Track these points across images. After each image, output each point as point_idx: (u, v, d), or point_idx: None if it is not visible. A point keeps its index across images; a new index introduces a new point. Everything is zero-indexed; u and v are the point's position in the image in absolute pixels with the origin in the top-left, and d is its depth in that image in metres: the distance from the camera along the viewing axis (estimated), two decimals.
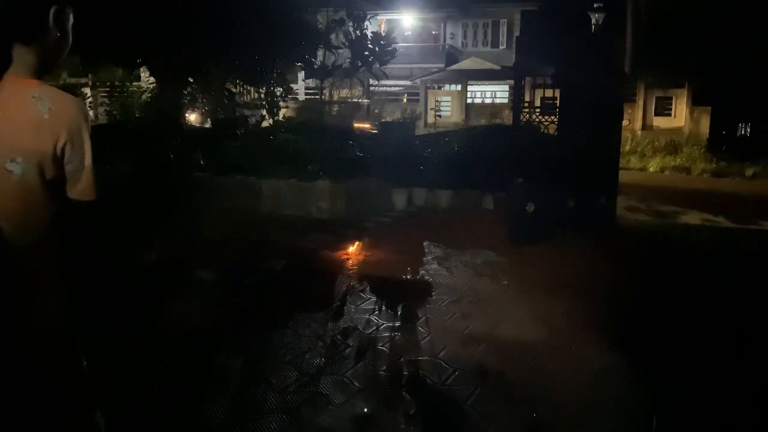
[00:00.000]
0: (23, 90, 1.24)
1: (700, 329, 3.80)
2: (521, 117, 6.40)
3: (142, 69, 10.73)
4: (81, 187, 1.32)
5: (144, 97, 11.00)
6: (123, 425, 1.48)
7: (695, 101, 19.74)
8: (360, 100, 16.35)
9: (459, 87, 27.26)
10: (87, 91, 13.66)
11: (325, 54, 11.85)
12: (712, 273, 5.14)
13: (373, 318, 3.92)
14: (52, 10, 1.28)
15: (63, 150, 1.27)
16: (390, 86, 22.26)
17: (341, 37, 11.92)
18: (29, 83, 1.26)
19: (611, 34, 6.48)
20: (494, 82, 26.81)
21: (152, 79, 10.72)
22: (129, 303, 3.86)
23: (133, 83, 11.32)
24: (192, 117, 11.22)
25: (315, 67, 11.67)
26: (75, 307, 1.37)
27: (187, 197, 6.66)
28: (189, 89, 10.31)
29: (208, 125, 10.06)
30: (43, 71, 1.32)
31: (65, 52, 1.38)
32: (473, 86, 27.35)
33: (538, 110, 6.62)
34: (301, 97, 21.23)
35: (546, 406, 2.79)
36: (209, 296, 4.34)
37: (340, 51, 11.87)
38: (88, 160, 1.32)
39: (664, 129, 20.45)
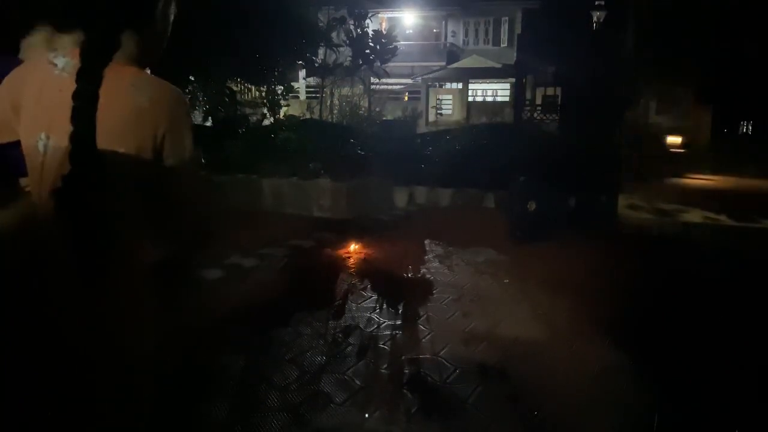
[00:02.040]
0: (123, 78, 1.21)
1: (702, 328, 3.79)
2: (523, 115, 6.40)
3: None
4: (183, 187, 1.29)
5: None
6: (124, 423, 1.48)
7: (697, 99, 19.72)
8: None
9: (460, 85, 27.24)
10: None
11: (326, 52, 11.83)
12: (714, 271, 5.13)
13: (374, 316, 3.92)
14: (162, 0, 1.28)
15: (162, 141, 1.22)
16: (391, 84, 22.24)
17: (342, 36, 11.90)
18: (128, 71, 1.23)
19: (613, 31, 6.47)
20: (496, 81, 26.79)
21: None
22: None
23: None
24: (193, 115, 11.22)
25: (316, 65, 11.65)
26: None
27: None
28: (190, 88, 10.31)
29: (209, 123, 10.05)
30: (143, 63, 1.30)
31: (164, 44, 1.35)
32: (474, 84, 27.34)
33: (539, 108, 6.62)
34: (302, 95, 21.22)
35: (547, 404, 2.79)
36: (210, 294, 4.33)
37: (341, 49, 11.86)
38: (189, 152, 1.27)
39: (665, 127, 20.42)
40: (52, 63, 1.22)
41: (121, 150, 1.19)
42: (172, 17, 1.34)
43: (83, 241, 1.14)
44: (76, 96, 1.12)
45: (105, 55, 1.17)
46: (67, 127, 1.12)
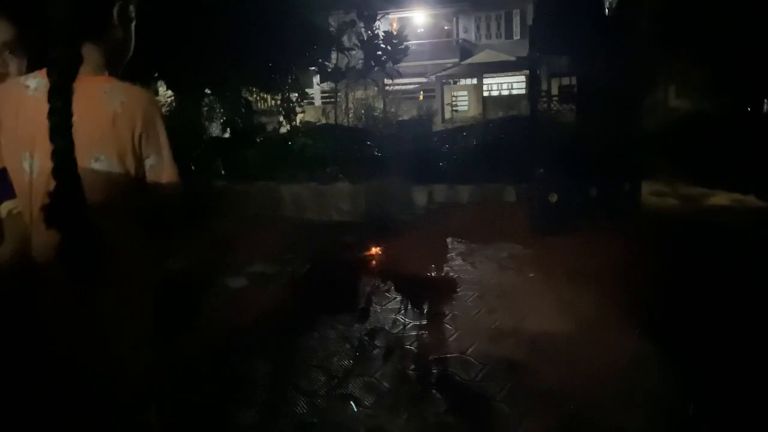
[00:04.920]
0: (94, 87, 1.25)
1: (736, 318, 3.69)
2: (539, 106, 6.32)
3: (159, 83, 10.89)
4: (167, 180, 1.32)
5: (163, 110, 11.12)
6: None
7: (718, 80, 19.24)
8: None
9: (475, 81, 27.08)
10: None
11: (338, 56, 11.87)
12: (745, 257, 4.99)
13: (399, 317, 3.91)
14: (116, 7, 1.31)
15: (140, 141, 1.27)
16: (405, 84, 22.21)
17: (353, 39, 11.93)
18: (99, 80, 1.28)
19: (628, 17, 6.35)
20: (510, 74, 26.54)
21: (170, 92, 10.87)
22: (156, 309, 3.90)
23: None
24: (211, 127, 11.36)
25: (329, 70, 11.69)
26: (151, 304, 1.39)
27: (210, 205, 6.74)
28: (206, 100, 10.44)
29: (227, 134, 10.17)
30: (112, 71, 1.33)
31: (129, 53, 1.39)
32: (489, 79, 27.12)
33: (555, 98, 6.54)
34: (317, 101, 21.32)
35: (579, 399, 2.74)
36: (236, 301, 4.36)
37: (353, 52, 11.88)
38: (166, 150, 1.32)
39: (687, 110, 20.00)
40: (24, 85, 1.25)
41: (104, 157, 1.22)
42: (132, 22, 1.36)
43: (77, 253, 1.17)
44: (50, 114, 1.15)
45: (70, 71, 1.20)
46: (49, 145, 1.15)
